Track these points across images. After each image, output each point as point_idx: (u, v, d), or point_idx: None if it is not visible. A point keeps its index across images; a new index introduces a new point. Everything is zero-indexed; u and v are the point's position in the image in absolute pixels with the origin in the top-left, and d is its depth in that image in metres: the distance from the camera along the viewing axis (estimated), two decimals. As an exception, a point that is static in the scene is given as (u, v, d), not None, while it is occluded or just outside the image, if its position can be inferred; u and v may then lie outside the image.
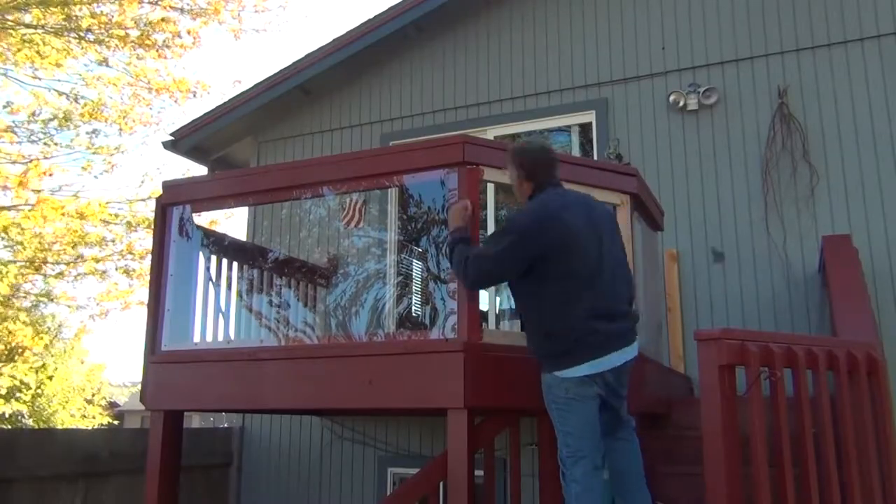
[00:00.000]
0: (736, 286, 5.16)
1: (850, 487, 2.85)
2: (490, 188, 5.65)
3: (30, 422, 12.32)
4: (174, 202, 4.13)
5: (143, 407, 4.03)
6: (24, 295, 12.30)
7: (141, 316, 7.99)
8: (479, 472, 3.14)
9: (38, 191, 10.57)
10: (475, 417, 3.18)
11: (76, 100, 11.68)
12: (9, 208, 10.67)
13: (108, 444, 5.14)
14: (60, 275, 11.77)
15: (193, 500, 5.63)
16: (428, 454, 5.53)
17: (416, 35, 6.51)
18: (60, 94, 11.67)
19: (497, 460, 3.47)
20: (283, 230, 6.63)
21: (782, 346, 2.86)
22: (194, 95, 12.04)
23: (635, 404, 3.25)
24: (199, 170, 7.78)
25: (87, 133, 11.92)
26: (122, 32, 11.34)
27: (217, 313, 4.43)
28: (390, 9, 6.33)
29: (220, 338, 4.38)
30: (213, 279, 4.46)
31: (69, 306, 12.59)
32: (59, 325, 14.97)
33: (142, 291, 11.70)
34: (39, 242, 10.99)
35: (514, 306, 5.66)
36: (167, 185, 4.21)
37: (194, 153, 7.26)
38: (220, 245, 4.70)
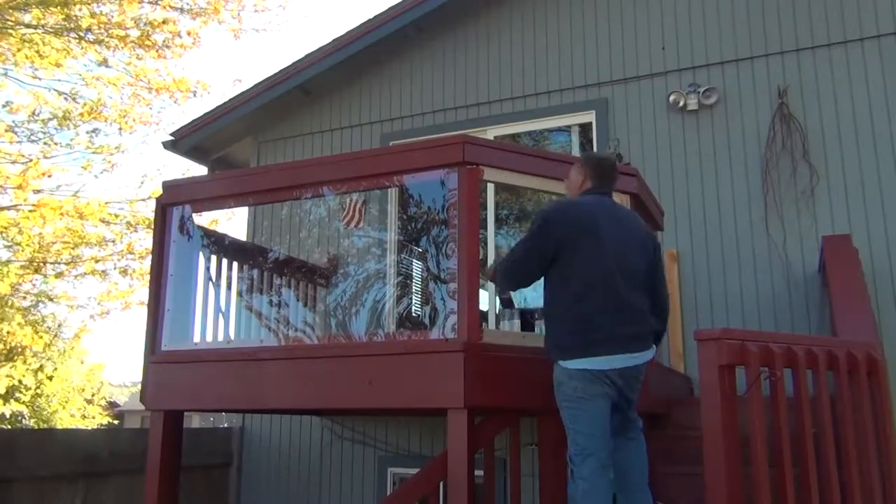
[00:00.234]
0: (736, 286, 5.16)
1: (850, 487, 2.86)
2: (490, 188, 5.65)
3: (30, 422, 12.32)
4: (174, 202, 4.13)
5: (143, 407, 4.03)
6: (24, 295, 12.30)
7: (141, 316, 8.00)
8: (479, 472, 3.14)
9: (39, 191, 10.57)
10: (475, 417, 3.19)
11: (75, 99, 11.69)
12: (8, 208, 10.67)
13: (108, 444, 5.13)
14: (60, 275, 11.76)
15: (193, 500, 5.63)
16: (428, 454, 5.53)
17: (416, 35, 6.50)
18: (60, 93, 11.68)
19: (497, 460, 3.48)
20: (283, 230, 6.63)
21: (782, 346, 2.86)
22: (194, 95, 12.04)
23: (636, 404, 3.25)
24: (199, 170, 7.78)
25: (87, 132, 11.93)
26: (121, 32, 11.33)
27: (217, 313, 4.43)
28: (390, 9, 6.33)
29: (220, 338, 4.39)
30: (213, 279, 4.46)
31: (69, 306, 12.61)
32: (59, 325, 14.96)
33: (142, 291, 11.71)
34: (39, 243, 10.99)
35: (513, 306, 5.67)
36: (167, 185, 4.21)
37: (194, 153, 7.26)
38: (220, 245, 4.70)
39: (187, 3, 11.74)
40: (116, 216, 11.61)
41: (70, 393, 14.16)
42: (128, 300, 12.00)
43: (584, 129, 5.96)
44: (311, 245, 6.47)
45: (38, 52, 10.83)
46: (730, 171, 5.35)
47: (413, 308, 5.96)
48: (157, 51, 11.65)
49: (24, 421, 12.06)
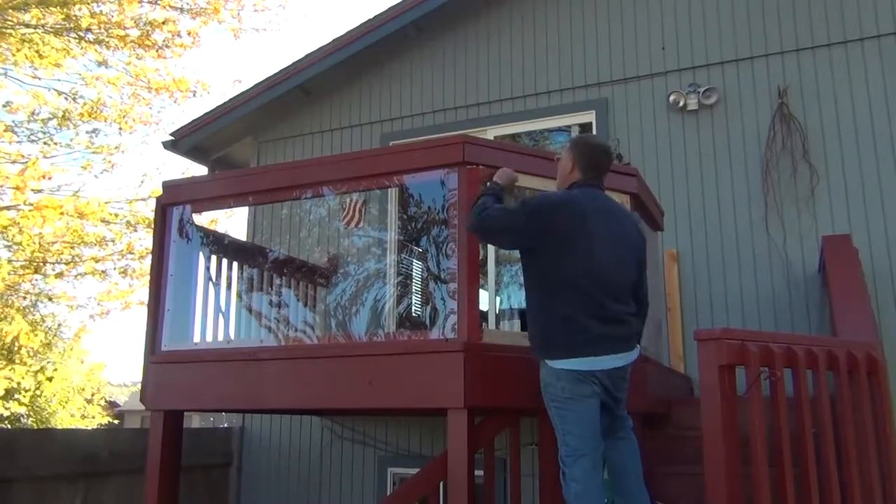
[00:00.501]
0: (736, 286, 5.16)
1: (850, 487, 2.86)
2: (490, 188, 5.64)
3: (29, 422, 12.31)
4: (174, 202, 4.13)
5: (143, 407, 4.03)
6: (24, 295, 12.29)
7: (141, 316, 7.99)
8: (479, 472, 3.14)
9: (39, 191, 10.57)
10: (475, 417, 3.18)
11: (75, 99, 11.68)
12: (8, 208, 10.66)
13: (108, 444, 5.13)
14: (60, 275, 11.76)
15: (193, 500, 5.62)
16: (428, 454, 5.53)
17: (416, 35, 6.51)
18: (60, 93, 11.68)
19: (497, 460, 3.47)
20: (283, 230, 6.63)
21: (782, 346, 2.86)
22: (194, 95, 12.04)
23: (635, 404, 3.25)
24: (199, 170, 7.79)
25: (87, 132, 11.93)
26: (121, 32, 11.33)
27: (217, 313, 4.43)
28: (390, 9, 6.33)
29: (220, 338, 4.39)
30: (213, 279, 4.46)
31: (69, 306, 12.60)
32: (59, 325, 14.95)
33: (142, 291, 11.70)
34: (39, 242, 10.98)
35: (513, 306, 5.68)
36: (167, 185, 4.21)
37: (194, 153, 7.26)
38: (220, 245, 4.70)
39: (187, 3, 11.75)
40: (116, 216, 11.61)
41: (70, 393, 14.15)
42: (128, 300, 12.01)
43: (584, 129, 5.96)
44: (311, 245, 6.47)
45: (37, 52, 10.83)
46: (730, 171, 5.35)
47: (413, 308, 5.96)
48: (156, 50, 11.65)
49: (23, 421, 12.05)
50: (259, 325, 4.97)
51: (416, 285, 5.98)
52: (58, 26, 11.00)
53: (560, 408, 2.88)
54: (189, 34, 11.81)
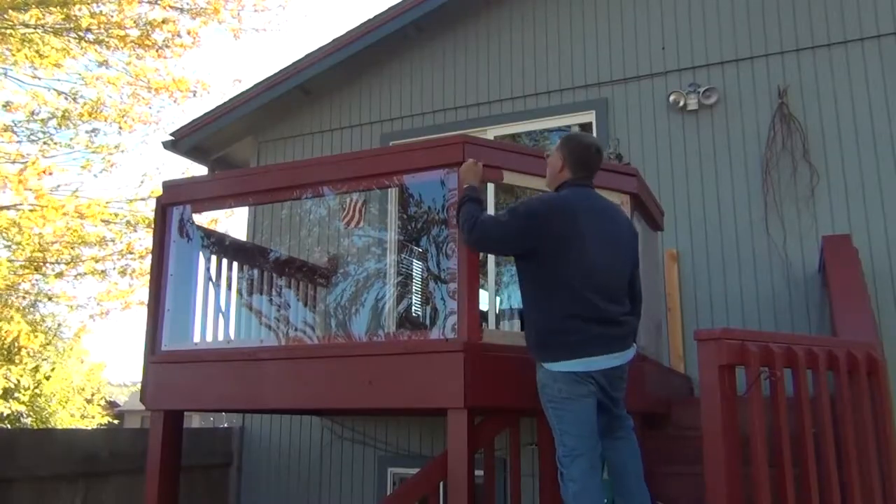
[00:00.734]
0: (736, 286, 5.16)
1: (850, 487, 2.86)
2: (490, 188, 5.64)
3: (29, 422, 12.30)
4: (174, 202, 4.13)
5: (143, 407, 4.03)
6: (23, 295, 12.29)
7: (141, 316, 8.00)
8: (479, 472, 3.14)
9: (38, 191, 10.56)
10: (475, 417, 3.18)
11: (75, 99, 11.68)
12: (8, 208, 10.66)
13: (108, 444, 5.13)
14: (60, 275, 11.75)
15: (193, 500, 5.62)
16: (428, 454, 5.53)
17: (416, 35, 6.51)
18: (60, 93, 11.67)
19: (497, 460, 3.47)
20: (283, 230, 6.63)
21: (782, 346, 2.86)
22: (194, 95, 12.04)
23: (635, 404, 3.25)
24: (199, 170, 7.79)
25: (87, 132, 11.93)
26: (121, 32, 11.33)
27: (217, 313, 4.43)
28: (390, 9, 6.33)
29: (220, 338, 4.38)
30: (213, 279, 4.46)
31: (69, 306, 12.60)
32: (59, 325, 14.95)
33: (142, 291, 11.70)
34: (39, 242, 10.98)
35: (513, 306, 5.68)
36: (167, 185, 4.21)
37: (194, 153, 7.26)
38: (220, 245, 4.70)
39: (187, 3, 11.75)
40: (116, 216, 11.61)
41: (70, 393, 14.14)
42: (128, 300, 11.99)
43: (584, 129, 5.95)
44: (311, 245, 6.47)
45: (37, 51, 10.83)
46: (730, 171, 5.35)
47: (413, 308, 5.96)
48: (156, 50, 11.65)
49: (23, 420, 12.04)
50: (259, 325, 4.97)
51: (416, 285, 5.98)
52: (58, 26, 11.00)
53: (557, 408, 2.88)
54: (189, 34, 11.82)
